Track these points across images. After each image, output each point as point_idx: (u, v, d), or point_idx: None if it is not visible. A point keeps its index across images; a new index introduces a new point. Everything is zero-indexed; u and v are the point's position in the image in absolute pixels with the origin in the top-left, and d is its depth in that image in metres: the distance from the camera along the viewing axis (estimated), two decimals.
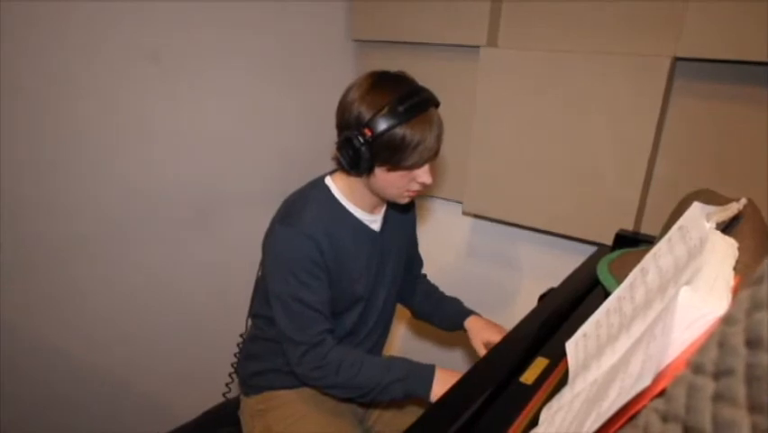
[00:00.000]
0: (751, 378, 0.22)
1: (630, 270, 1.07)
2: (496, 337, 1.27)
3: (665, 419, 0.29)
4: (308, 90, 1.82)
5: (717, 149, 1.36)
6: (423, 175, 1.07)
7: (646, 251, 1.17)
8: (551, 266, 1.68)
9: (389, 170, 1.05)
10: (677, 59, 1.33)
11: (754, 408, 0.21)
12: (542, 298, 1.45)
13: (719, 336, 0.25)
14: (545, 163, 1.56)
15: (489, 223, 1.81)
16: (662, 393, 0.43)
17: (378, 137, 1.00)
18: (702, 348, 0.27)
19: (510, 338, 1.00)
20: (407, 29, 1.75)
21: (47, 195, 1.30)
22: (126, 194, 1.44)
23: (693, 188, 1.02)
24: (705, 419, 0.24)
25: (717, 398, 0.24)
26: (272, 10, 1.64)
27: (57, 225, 1.33)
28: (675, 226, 0.76)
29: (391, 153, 1.02)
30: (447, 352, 2.02)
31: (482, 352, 1.25)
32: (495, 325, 1.32)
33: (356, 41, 1.93)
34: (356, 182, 1.12)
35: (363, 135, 1.00)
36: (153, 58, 1.39)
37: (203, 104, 1.54)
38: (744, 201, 0.78)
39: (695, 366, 0.27)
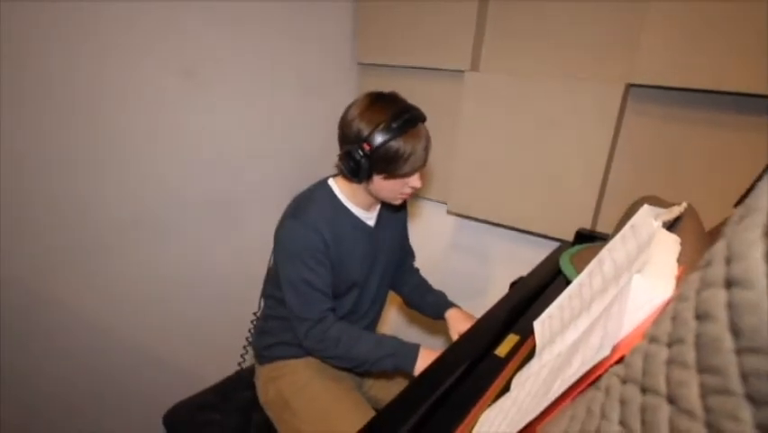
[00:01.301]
0: (699, 344, 0.22)
1: (588, 262, 1.07)
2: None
3: (625, 381, 0.29)
4: (318, 105, 1.82)
5: (662, 161, 1.37)
6: (414, 180, 1.08)
7: (602, 246, 1.18)
8: (521, 258, 1.67)
9: (386, 177, 1.05)
10: (630, 85, 1.33)
11: (702, 369, 0.22)
12: (513, 284, 1.45)
13: (672, 311, 0.26)
14: (518, 171, 1.56)
15: (470, 221, 1.82)
16: (618, 362, 0.44)
17: (375, 150, 1.00)
18: (656, 322, 0.27)
19: (486, 318, 0.99)
20: (404, 54, 1.74)
21: (99, 190, 1.30)
22: (161, 191, 1.43)
23: (641, 194, 1.03)
24: (659, 380, 0.25)
25: (670, 362, 0.24)
26: (290, 37, 1.63)
27: (109, 216, 1.34)
28: (628, 225, 0.77)
29: (387, 164, 1.02)
30: (432, 333, 2.02)
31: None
32: (471, 317, 1.32)
33: (360, 64, 1.92)
34: (355, 186, 1.12)
35: (363, 149, 1.00)
36: (187, 74, 1.38)
37: (227, 115, 1.53)
38: (684, 205, 0.79)
39: (650, 337, 0.27)
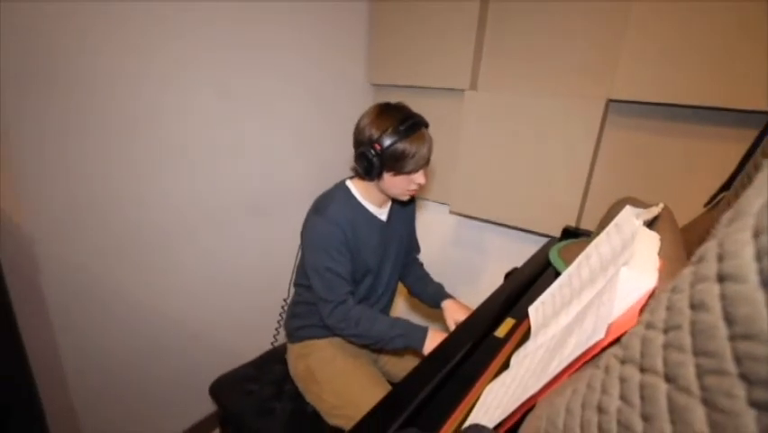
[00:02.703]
0: (695, 331, 0.21)
1: (574, 255, 1.05)
2: (464, 318, 1.26)
3: (623, 362, 0.28)
4: (335, 120, 1.81)
5: (638, 167, 1.36)
6: (419, 177, 1.07)
7: (585, 241, 1.16)
8: (514, 252, 1.68)
9: (394, 175, 1.05)
10: (610, 100, 1.32)
11: (698, 353, 0.21)
12: (507, 275, 1.44)
13: (667, 301, 0.25)
14: (512, 176, 1.55)
15: (469, 220, 1.80)
16: (611, 344, 0.43)
17: (385, 150, 1.00)
18: (651, 311, 0.26)
19: (486, 304, 0.99)
20: (411, 76, 1.74)
21: (158, 194, 1.31)
22: (205, 194, 1.44)
23: (620, 196, 1.02)
24: (657, 361, 0.24)
25: (667, 346, 0.24)
26: (311, 61, 1.64)
27: (165, 215, 1.35)
28: (612, 223, 0.75)
29: (395, 162, 1.02)
30: (432, 320, 2.01)
31: (452, 328, 1.24)
32: (465, 307, 1.30)
33: (373, 84, 1.92)
34: (369, 185, 1.12)
35: (374, 149, 1.01)
36: (225, 94, 1.39)
37: (257, 129, 1.53)
38: (661, 205, 0.78)
39: (647, 324, 0.26)
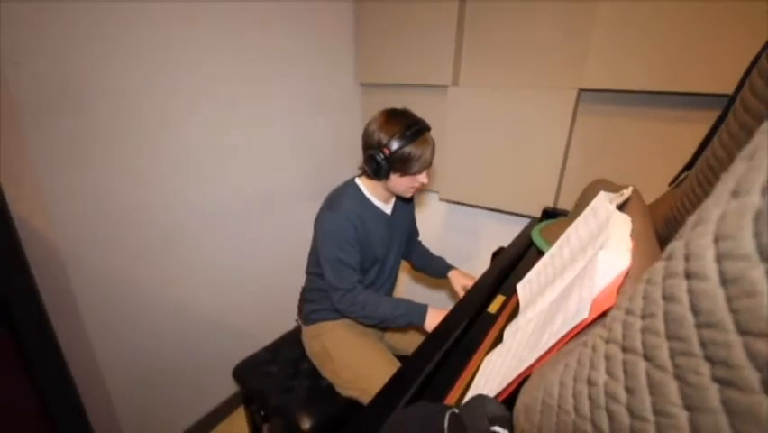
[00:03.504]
0: (668, 319, 0.23)
1: (552, 235, 1.07)
2: (470, 282, 1.30)
3: (608, 342, 0.30)
4: (330, 120, 1.80)
5: (608, 151, 1.37)
6: (422, 177, 1.09)
7: (562, 221, 1.18)
8: (499, 232, 1.71)
9: (401, 175, 1.06)
10: (581, 90, 1.33)
11: (670, 337, 0.23)
12: (495, 254, 1.47)
13: (643, 292, 0.26)
14: (494, 163, 1.56)
15: (457, 205, 1.82)
16: (595, 321, 0.45)
17: (392, 154, 1.01)
18: (630, 299, 0.28)
19: (479, 283, 1.02)
20: (398, 74, 1.73)
21: (178, 194, 1.32)
22: (221, 194, 1.45)
23: (592, 178, 1.05)
24: (637, 343, 0.26)
25: (644, 330, 0.25)
26: (305, 67, 1.62)
27: (186, 214, 1.36)
28: (589, 207, 0.76)
29: (402, 164, 1.03)
30: (435, 292, 2.05)
31: (461, 293, 1.28)
32: (468, 274, 1.35)
33: (362, 84, 1.90)
34: (376, 183, 1.13)
35: (383, 153, 1.02)
36: (232, 104, 1.39)
37: (261, 132, 1.52)
38: (631, 188, 0.79)
39: (626, 310, 0.28)
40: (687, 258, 0.23)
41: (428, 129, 1.07)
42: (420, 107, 1.59)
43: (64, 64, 0.99)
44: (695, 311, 0.21)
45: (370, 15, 1.73)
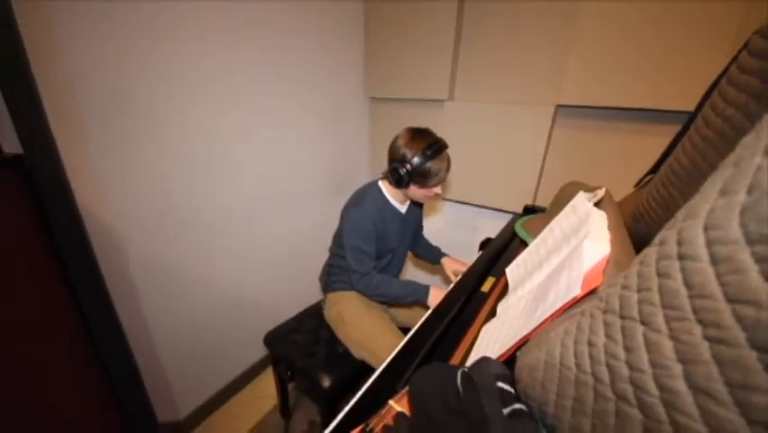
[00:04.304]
0: (662, 292, 0.24)
1: (533, 227, 1.07)
2: (460, 267, 1.31)
3: (605, 312, 0.30)
4: (343, 129, 1.80)
5: (580, 157, 1.39)
6: (437, 189, 1.09)
7: (541, 216, 1.18)
8: (485, 225, 1.72)
9: (419, 187, 1.06)
10: (558, 105, 1.34)
11: (665, 306, 0.24)
12: (482, 244, 1.48)
13: (638, 271, 0.27)
14: (483, 166, 1.57)
15: (450, 202, 1.82)
16: (582, 297, 0.46)
17: (414, 169, 1.01)
18: (626, 277, 0.29)
19: (473, 267, 1.03)
20: (400, 90, 1.73)
21: (213, 194, 1.31)
22: (252, 192, 1.44)
23: (567, 180, 1.05)
24: (634, 312, 0.26)
25: (641, 301, 0.26)
26: (322, 81, 1.61)
27: (224, 209, 1.36)
28: (570, 204, 0.76)
29: (420, 178, 1.03)
30: (432, 277, 2.06)
31: (452, 277, 1.29)
32: (459, 261, 1.36)
33: (370, 98, 1.90)
34: (395, 189, 1.13)
35: (405, 167, 1.01)
36: (262, 112, 1.38)
37: (283, 139, 1.52)
38: (604, 189, 0.80)
39: (622, 286, 0.28)
40: (679, 243, 0.24)
41: (446, 147, 1.05)
42: (420, 118, 1.61)
43: (119, 80, 0.99)
44: (688, 285, 0.23)
45: (377, 38, 1.72)
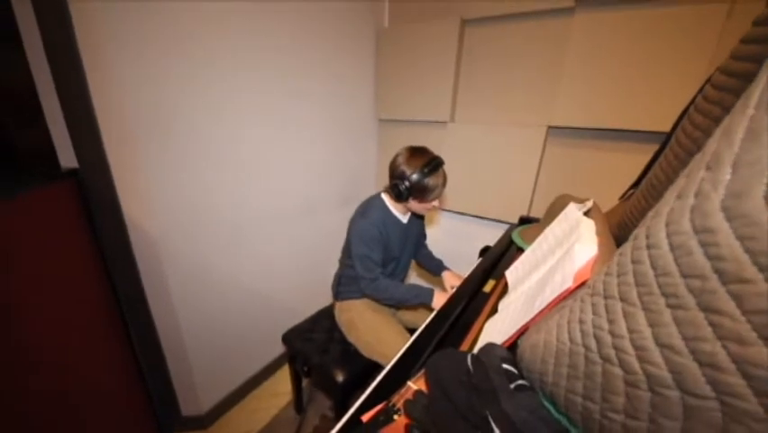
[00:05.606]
0: (636, 274, 0.28)
1: (529, 235, 1.09)
2: (458, 282, 1.32)
3: (592, 295, 0.34)
4: (355, 147, 1.85)
5: (570, 173, 1.43)
6: (435, 203, 1.11)
7: (536, 226, 1.20)
8: (484, 235, 1.74)
9: (418, 201, 1.09)
10: (550, 127, 1.39)
11: (638, 284, 0.28)
12: (482, 251, 1.49)
13: (617, 261, 0.31)
14: (482, 181, 1.61)
15: (451, 213, 1.85)
16: (575, 289, 0.50)
17: (413, 185, 1.03)
18: (609, 266, 0.34)
19: (475, 271, 1.04)
20: (407, 111, 1.78)
21: (240, 198, 1.35)
22: (275, 200, 1.48)
23: (558, 193, 1.07)
24: (614, 291, 0.31)
25: (620, 284, 0.30)
26: (337, 105, 1.67)
27: (249, 213, 1.38)
28: (562, 214, 0.78)
29: (419, 193, 1.05)
30: (435, 283, 2.08)
31: (450, 290, 1.27)
32: (457, 275, 1.36)
33: (380, 119, 1.94)
34: (397, 202, 1.16)
35: (405, 184, 1.03)
36: (285, 129, 1.43)
37: (302, 153, 1.56)
38: (592, 201, 0.83)
39: (605, 273, 0.33)
40: (647, 236, 0.29)
41: (442, 164, 1.07)
42: (424, 138, 1.66)
43: (163, 100, 1.05)
44: (654, 267, 0.28)
45: (386, 67, 1.80)
